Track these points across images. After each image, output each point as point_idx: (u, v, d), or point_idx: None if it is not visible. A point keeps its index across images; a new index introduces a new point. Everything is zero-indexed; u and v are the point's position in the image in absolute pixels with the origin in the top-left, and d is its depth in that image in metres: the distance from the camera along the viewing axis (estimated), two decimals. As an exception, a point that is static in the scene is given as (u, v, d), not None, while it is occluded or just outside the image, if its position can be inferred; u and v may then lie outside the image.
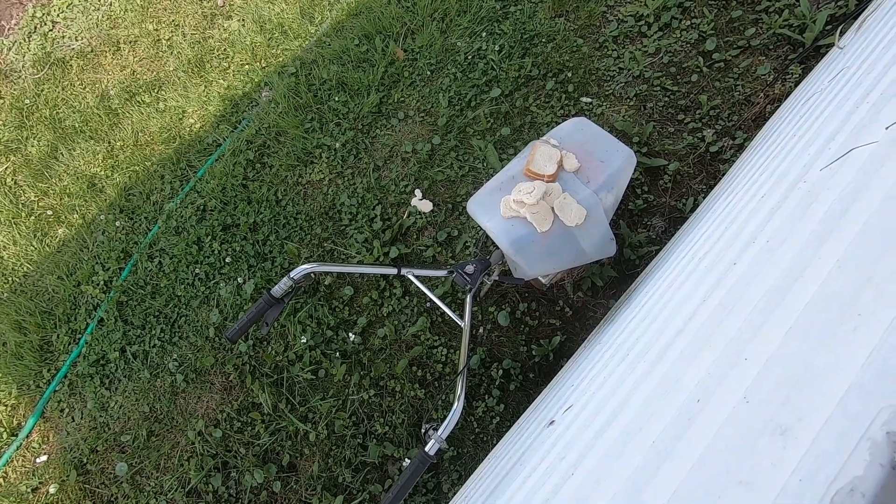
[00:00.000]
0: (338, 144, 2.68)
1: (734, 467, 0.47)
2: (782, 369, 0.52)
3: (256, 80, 3.04)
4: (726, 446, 0.50)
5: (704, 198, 2.14)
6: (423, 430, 1.55)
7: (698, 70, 2.40)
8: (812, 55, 2.27)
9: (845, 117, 1.08)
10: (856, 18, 1.94)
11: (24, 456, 2.36)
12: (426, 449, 1.47)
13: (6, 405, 2.48)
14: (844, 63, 1.56)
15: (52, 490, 2.24)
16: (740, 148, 2.21)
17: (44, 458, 2.35)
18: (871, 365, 0.39)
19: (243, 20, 3.27)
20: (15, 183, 3.06)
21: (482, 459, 1.94)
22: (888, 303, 0.44)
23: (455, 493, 1.91)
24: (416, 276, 1.83)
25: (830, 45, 2.11)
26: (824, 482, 0.33)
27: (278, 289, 1.65)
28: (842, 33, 1.97)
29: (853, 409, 0.37)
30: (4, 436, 2.41)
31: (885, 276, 0.48)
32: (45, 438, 2.39)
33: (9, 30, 3.64)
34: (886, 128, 0.78)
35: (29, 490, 2.27)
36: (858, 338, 0.44)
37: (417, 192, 2.47)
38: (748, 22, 2.43)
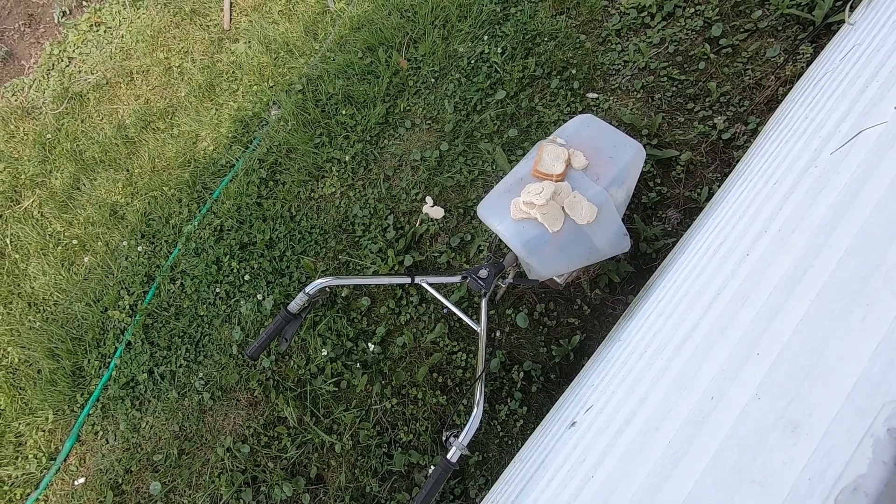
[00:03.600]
0: (347, 157, 2.71)
1: (746, 465, 0.46)
2: (793, 363, 0.51)
3: (265, 99, 3.10)
4: (739, 444, 0.49)
5: (719, 186, 2.10)
6: (444, 438, 1.55)
7: (705, 57, 2.36)
8: (823, 33, 2.21)
9: (856, 97, 1.06)
10: (866, -8, 1.89)
11: (62, 479, 2.44)
12: (448, 456, 1.46)
13: (44, 430, 2.57)
14: (855, 40, 1.52)
15: (91, 511, 2.31)
16: (753, 133, 2.16)
17: (81, 480, 2.41)
18: (879, 356, 0.38)
19: (249, 42, 3.33)
20: (41, 215, 3.17)
21: (508, 463, 1.93)
22: (897, 290, 0.43)
23: (482, 498, 1.90)
24: (430, 284, 1.83)
25: (841, 22, 2.05)
26: (832, 480, 0.32)
27: (295, 304, 1.68)
28: (852, 8, 1.92)
29: (860, 404, 0.35)
30: (44, 460, 2.48)
31: (893, 264, 0.46)
32: (82, 461, 2.46)
33: (28, 69, 3.78)
34: (895, 107, 0.75)
35: (69, 512, 2.34)
36: (867, 328, 0.43)
37: (428, 200, 2.48)
38: (754, 4, 2.39)
